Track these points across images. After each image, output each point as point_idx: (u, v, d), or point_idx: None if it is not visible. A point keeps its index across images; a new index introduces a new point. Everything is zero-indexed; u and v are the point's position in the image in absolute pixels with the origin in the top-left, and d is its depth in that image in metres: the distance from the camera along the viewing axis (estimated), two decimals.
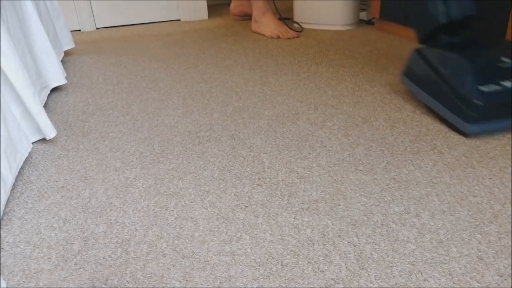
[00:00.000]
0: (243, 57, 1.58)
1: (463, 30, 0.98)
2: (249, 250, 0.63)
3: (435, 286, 0.55)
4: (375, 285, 0.56)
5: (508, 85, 0.87)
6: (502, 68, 0.88)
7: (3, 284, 0.58)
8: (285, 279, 0.58)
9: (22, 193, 0.81)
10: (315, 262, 0.60)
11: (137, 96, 1.26)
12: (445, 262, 0.59)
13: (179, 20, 2.36)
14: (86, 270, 0.61)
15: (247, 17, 2.17)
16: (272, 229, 0.67)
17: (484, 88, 0.86)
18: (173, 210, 0.73)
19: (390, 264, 0.59)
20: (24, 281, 0.60)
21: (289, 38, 1.77)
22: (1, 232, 0.70)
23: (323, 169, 0.83)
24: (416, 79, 1.05)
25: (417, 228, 0.66)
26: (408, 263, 0.59)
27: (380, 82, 1.25)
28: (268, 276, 0.58)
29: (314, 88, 1.24)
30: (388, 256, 0.61)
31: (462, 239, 0.63)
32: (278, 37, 1.79)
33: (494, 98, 0.86)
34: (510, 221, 0.66)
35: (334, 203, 0.72)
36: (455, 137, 0.92)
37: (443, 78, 0.93)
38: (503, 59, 0.90)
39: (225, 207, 0.74)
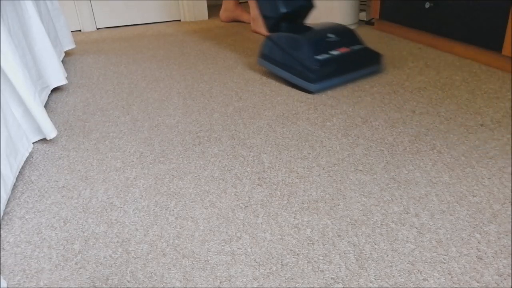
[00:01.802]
0: (243, 57, 1.59)
1: (298, 18, 1.36)
2: (249, 249, 0.63)
3: (435, 286, 0.55)
4: (374, 285, 0.56)
5: (335, 53, 1.23)
6: (330, 42, 1.25)
7: (4, 283, 0.59)
8: (285, 279, 0.58)
9: (23, 193, 0.81)
10: (315, 261, 0.61)
11: (138, 96, 1.26)
12: (445, 261, 0.59)
13: (179, 20, 2.36)
14: (86, 270, 0.61)
15: (236, 22, 2.20)
16: (272, 228, 0.68)
17: (319, 57, 1.19)
18: (173, 210, 0.74)
19: (390, 264, 0.59)
20: (24, 281, 0.60)
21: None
22: (2, 232, 0.71)
23: (323, 169, 0.83)
24: (271, 59, 1.32)
25: (416, 228, 0.66)
26: (408, 263, 0.59)
27: (379, 82, 1.25)
28: (268, 276, 0.59)
29: None
30: (387, 255, 0.61)
31: (462, 239, 0.63)
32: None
33: (326, 64, 1.19)
34: (510, 221, 0.66)
35: (334, 203, 0.73)
36: (454, 137, 0.92)
37: (290, 54, 1.24)
38: (329, 35, 1.26)
39: (225, 207, 0.74)
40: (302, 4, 1.31)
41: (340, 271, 0.59)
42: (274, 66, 1.31)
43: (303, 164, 0.85)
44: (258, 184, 0.79)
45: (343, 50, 1.24)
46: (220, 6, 2.21)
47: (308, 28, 1.30)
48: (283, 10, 1.28)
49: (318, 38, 1.25)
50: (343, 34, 1.28)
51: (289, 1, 1.28)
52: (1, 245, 0.68)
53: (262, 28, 1.87)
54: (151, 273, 0.60)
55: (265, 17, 1.35)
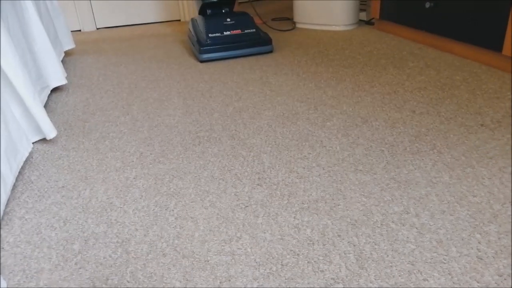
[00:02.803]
0: (243, 57, 1.59)
1: (222, 5, 1.68)
2: (249, 250, 0.63)
3: (435, 286, 0.55)
4: (374, 285, 0.56)
5: (226, 33, 1.58)
6: (226, 24, 1.59)
7: (4, 283, 0.58)
8: (285, 279, 0.58)
9: (23, 193, 0.81)
10: (315, 262, 0.60)
11: (138, 96, 1.26)
12: (445, 261, 0.59)
13: (179, 20, 2.36)
14: (86, 270, 0.61)
15: None
16: (272, 229, 0.68)
17: (212, 35, 1.56)
18: (173, 210, 0.74)
19: (390, 264, 0.59)
20: (24, 281, 0.60)
21: None
22: (2, 232, 0.71)
23: (323, 169, 0.83)
24: (189, 37, 1.75)
25: (416, 228, 0.66)
26: (408, 263, 0.59)
27: (380, 82, 1.25)
28: (268, 276, 0.58)
29: (314, 88, 1.24)
30: (387, 255, 0.61)
31: (462, 239, 0.63)
32: None
33: (217, 40, 1.56)
34: (510, 221, 0.66)
35: (334, 203, 0.73)
36: (454, 137, 0.92)
37: (195, 32, 1.64)
38: (228, 19, 1.59)
39: (225, 207, 0.74)
40: None
41: (340, 271, 0.59)
42: (189, 40, 1.76)
43: (303, 164, 0.85)
44: (258, 184, 0.79)
45: (236, 32, 1.59)
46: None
47: (222, 15, 1.62)
48: (204, 0, 1.64)
49: (218, 21, 1.59)
50: (239, 19, 1.61)
51: None
52: (1, 245, 0.68)
53: None
54: (151, 273, 0.60)
55: (196, 5, 1.75)
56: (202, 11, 1.68)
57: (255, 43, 1.60)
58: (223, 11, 1.67)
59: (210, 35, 1.54)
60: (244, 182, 0.80)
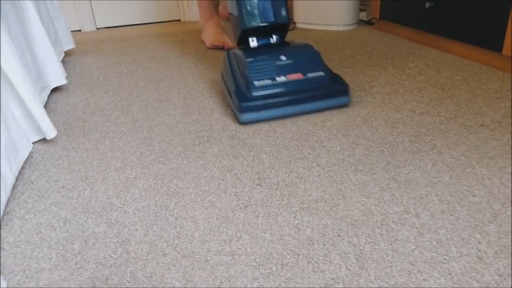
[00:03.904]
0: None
1: (268, 34, 1.16)
2: (249, 250, 0.63)
3: (435, 286, 0.55)
4: (374, 285, 0.56)
5: (280, 79, 1.05)
6: (280, 66, 1.06)
7: (4, 284, 0.58)
8: (285, 279, 0.58)
9: (23, 193, 0.81)
10: (315, 262, 0.60)
11: (137, 96, 1.26)
12: (445, 262, 0.59)
13: (179, 20, 2.36)
14: (86, 270, 0.61)
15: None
16: (272, 229, 0.68)
17: (258, 82, 1.03)
18: (173, 210, 0.74)
19: (390, 264, 0.59)
20: (24, 281, 0.60)
21: (222, 48, 1.68)
22: (2, 232, 0.71)
23: (323, 169, 0.83)
24: (223, 75, 1.22)
25: (416, 228, 0.66)
26: (408, 263, 0.59)
27: (379, 82, 1.25)
28: (268, 276, 0.58)
29: None
30: (387, 256, 0.61)
31: (462, 239, 0.63)
32: (214, 47, 1.70)
33: (267, 91, 1.03)
34: (510, 221, 0.66)
35: (334, 203, 0.73)
36: (454, 137, 0.92)
37: (232, 75, 1.10)
38: (282, 57, 1.07)
39: (225, 207, 0.74)
40: (271, 21, 1.12)
41: (340, 271, 0.59)
42: (223, 83, 1.18)
43: (303, 164, 0.85)
44: (258, 184, 0.79)
45: (295, 76, 1.05)
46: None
47: (270, 47, 1.14)
48: (245, 25, 1.11)
49: (268, 60, 1.06)
50: (301, 57, 1.08)
51: (254, 17, 1.11)
52: (1, 245, 0.68)
53: (205, 37, 1.78)
54: (151, 273, 0.60)
55: (234, 29, 1.22)
56: (242, 41, 1.18)
57: (325, 93, 1.06)
58: (272, 40, 1.15)
59: (256, 82, 1.02)
60: (244, 182, 0.80)
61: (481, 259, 0.59)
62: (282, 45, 1.15)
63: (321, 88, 1.06)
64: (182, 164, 0.88)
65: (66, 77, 1.33)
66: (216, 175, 0.83)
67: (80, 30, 2.22)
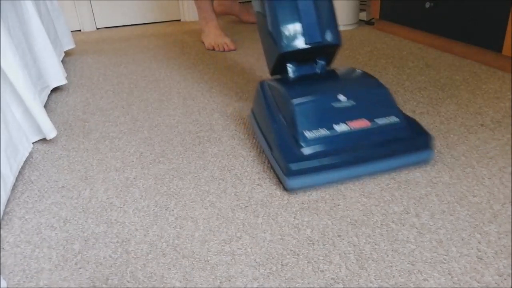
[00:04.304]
0: (243, 57, 1.59)
1: (312, 58, 0.89)
2: (249, 250, 0.63)
3: (435, 286, 0.55)
4: (374, 285, 0.56)
5: (340, 129, 0.75)
6: (337, 109, 0.76)
7: (4, 284, 0.58)
8: (285, 279, 0.58)
9: (23, 193, 0.81)
10: (315, 262, 0.60)
11: (137, 96, 1.26)
12: (445, 262, 0.59)
13: (179, 20, 2.36)
14: (86, 270, 0.61)
15: (230, 15, 2.20)
16: (272, 229, 0.68)
17: (311, 134, 0.74)
18: (173, 210, 0.74)
19: (390, 264, 0.59)
20: (24, 281, 0.60)
21: (223, 51, 1.67)
22: (2, 232, 0.71)
23: None
24: (256, 116, 0.91)
25: (416, 228, 0.66)
26: (408, 263, 0.59)
27: None
28: (268, 276, 0.58)
29: None
30: (387, 256, 0.61)
31: (462, 239, 0.63)
32: (213, 49, 1.69)
33: (323, 145, 0.74)
34: (510, 221, 0.66)
35: (334, 203, 0.73)
36: (454, 137, 0.92)
37: (271, 119, 0.81)
38: (340, 97, 0.77)
39: (225, 207, 0.74)
40: (316, 41, 0.84)
41: (340, 271, 0.59)
42: (258, 129, 0.89)
43: None
44: (258, 184, 0.79)
45: (359, 124, 0.76)
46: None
47: (318, 78, 0.87)
48: (282, 48, 0.84)
49: (318, 101, 0.78)
50: (365, 96, 0.79)
51: (296, 36, 0.84)
52: (1, 245, 0.68)
53: (204, 38, 1.76)
54: (151, 273, 0.60)
55: (266, 52, 0.95)
56: (278, 69, 0.91)
57: (402, 148, 0.78)
58: (317, 68, 0.89)
59: (307, 133, 0.75)
60: (244, 182, 0.80)
61: (481, 259, 0.59)
62: (333, 76, 0.88)
63: (396, 140, 0.77)
64: (182, 164, 0.88)
65: (66, 77, 1.33)
66: (216, 175, 0.83)
67: (80, 30, 2.22)
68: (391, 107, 0.79)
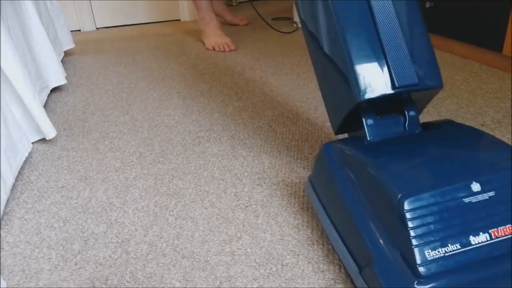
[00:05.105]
0: (243, 57, 1.58)
1: (398, 107, 0.61)
2: (249, 250, 0.63)
3: None
4: None
5: (477, 241, 0.46)
6: (472, 208, 0.47)
7: (3, 284, 0.58)
8: (285, 279, 0.58)
9: (22, 193, 0.81)
10: (315, 262, 0.60)
11: (137, 96, 1.26)
12: None
13: (179, 20, 2.36)
14: (86, 270, 0.61)
15: (219, 17, 2.18)
16: (272, 229, 0.67)
17: (433, 254, 0.45)
18: (173, 210, 0.73)
19: None
20: (24, 281, 0.60)
21: (224, 51, 1.67)
22: (1, 232, 0.70)
23: None
24: (323, 197, 0.63)
25: None
26: None
27: None
28: (268, 276, 0.58)
29: (314, 88, 1.23)
30: None
31: None
32: (214, 49, 1.70)
33: (449, 274, 0.45)
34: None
35: None
36: None
37: (351, 213, 0.53)
38: (475, 186, 0.48)
39: (225, 207, 0.74)
40: (411, 83, 0.57)
41: (340, 271, 0.58)
42: (327, 219, 0.60)
43: (303, 164, 0.85)
44: (258, 184, 0.79)
45: (506, 232, 0.47)
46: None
47: (419, 146, 0.57)
48: (360, 96, 0.56)
49: (444, 195, 0.47)
50: (507, 182, 0.49)
51: (381, 75, 0.57)
52: (1, 245, 0.67)
53: (204, 39, 1.75)
54: (151, 273, 0.60)
55: (328, 102, 0.68)
56: (349, 125, 0.63)
57: None
58: (407, 124, 0.61)
59: (429, 253, 0.44)
60: (244, 182, 0.80)
61: None
62: (442, 140, 0.59)
63: None
64: (182, 164, 0.88)
65: (66, 77, 1.33)
66: (216, 175, 0.83)
67: (80, 30, 2.22)
68: None
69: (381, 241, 0.48)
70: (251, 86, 1.28)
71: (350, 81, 0.57)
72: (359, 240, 0.50)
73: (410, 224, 0.45)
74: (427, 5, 1.48)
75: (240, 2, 2.64)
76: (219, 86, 1.30)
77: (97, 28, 2.26)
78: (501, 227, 0.46)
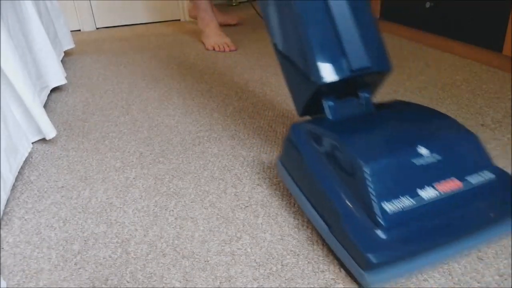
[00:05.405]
0: (243, 57, 1.58)
1: (355, 89, 0.68)
2: (249, 250, 0.63)
3: (435, 286, 0.55)
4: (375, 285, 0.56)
5: (426, 195, 0.54)
6: (419, 167, 0.55)
7: (3, 284, 0.58)
8: (285, 279, 0.58)
9: (22, 193, 0.81)
10: (315, 262, 0.60)
11: (137, 96, 1.26)
12: (445, 262, 0.59)
13: (179, 20, 2.36)
14: (86, 270, 0.61)
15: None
16: (272, 229, 0.67)
17: (391, 207, 0.53)
18: (173, 210, 0.73)
19: None
20: (24, 281, 0.60)
21: (224, 51, 1.66)
22: (1, 232, 0.70)
23: None
24: (290, 171, 0.69)
25: None
26: None
27: None
28: (268, 276, 0.58)
29: None
30: None
31: None
32: (214, 49, 1.69)
33: (405, 222, 0.53)
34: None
35: None
36: None
37: (322, 183, 0.60)
38: (421, 149, 0.56)
39: (225, 207, 0.74)
40: (363, 67, 0.64)
41: (340, 271, 0.58)
42: (297, 190, 0.67)
43: None
44: (258, 184, 0.79)
45: (449, 185, 0.56)
46: (220, 6, 2.20)
47: (373, 120, 0.67)
48: (322, 79, 0.63)
49: (396, 157, 0.56)
50: (451, 146, 0.59)
51: (337, 61, 0.64)
52: (1, 245, 0.67)
53: (204, 39, 1.74)
54: (151, 273, 0.60)
55: (292, 89, 0.74)
56: (311, 108, 0.70)
57: (501, 212, 0.57)
58: (360, 104, 0.68)
59: (388, 206, 0.53)
60: (244, 182, 0.80)
61: (481, 259, 0.59)
62: (393, 116, 0.68)
63: (493, 204, 0.57)
64: (182, 164, 0.88)
65: (66, 77, 1.33)
66: (216, 175, 0.83)
67: (80, 30, 2.22)
68: (483, 158, 0.59)
69: (346, 201, 0.56)
70: (251, 86, 1.28)
71: (311, 67, 0.64)
72: (328, 203, 0.58)
73: (370, 185, 0.54)
74: (427, 5, 1.48)
75: (240, 2, 2.64)
76: (219, 86, 1.30)
77: (97, 28, 2.26)
78: (445, 181, 0.56)
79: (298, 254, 0.62)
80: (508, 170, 0.79)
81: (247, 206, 0.73)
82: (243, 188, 0.78)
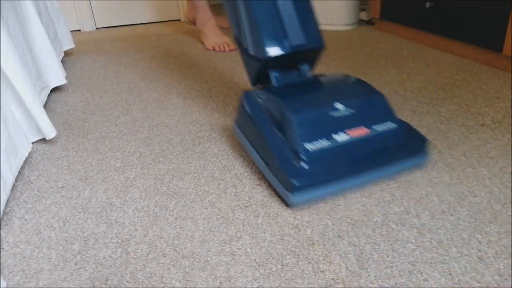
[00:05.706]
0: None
1: (296, 63, 0.86)
2: (249, 250, 0.63)
3: (435, 286, 0.55)
4: (375, 285, 0.56)
5: (341, 138, 0.72)
6: (335, 118, 0.73)
7: (3, 284, 0.58)
8: (285, 279, 0.58)
9: (22, 193, 0.81)
10: (315, 262, 0.60)
11: (137, 96, 1.26)
12: (445, 262, 0.59)
13: (179, 20, 2.36)
14: (86, 270, 0.61)
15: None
16: (272, 229, 0.67)
17: (312, 146, 0.71)
18: (173, 210, 0.73)
19: (390, 264, 0.59)
20: (24, 281, 0.60)
21: (224, 51, 1.66)
22: (1, 232, 0.70)
23: None
24: (245, 130, 0.86)
25: (417, 228, 0.66)
26: (408, 263, 0.59)
27: (380, 82, 1.25)
28: (268, 276, 0.58)
29: None
30: (388, 256, 0.61)
31: (462, 239, 0.63)
32: (214, 49, 1.68)
33: (323, 157, 0.71)
34: (510, 221, 0.66)
35: (334, 203, 0.72)
36: (455, 137, 0.92)
37: (264, 133, 0.76)
38: (337, 105, 0.74)
39: (225, 207, 0.74)
40: (301, 44, 0.82)
41: (340, 271, 0.58)
42: (247, 143, 0.85)
43: None
44: (258, 184, 0.79)
45: (358, 132, 0.74)
46: (220, 6, 2.19)
47: (307, 86, 0.85)
48: (264, 54, 0.81)
49: (316, 110, 0.75)
50: (362, 103, 0.77)
51: (278, 40, 0.81)
52: (1, 245, 0.67)
53: (204, 39, 1.75)
54: (151, 273, 0.60)
55: (245, 62, 0.91)
56: (261, 78, 0.88)
57: (399, 153, 0.77)
58: (302, 75, 0.87)
59: (308, 146, 0.71)
60: (244, 182, 0.80)
61: (481, 259, 0.59)
62: (323, 83, 0.87)
63: (394, 146, 0.76)
64: (182, 164, 0.88)
65: (66, 77, 1.33)
66: (216, 175, 0.83)
67: (80, 30, 2.22)
68: (387, 113, 0.78)
69: (281, 145, 0.73)
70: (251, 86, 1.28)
71: (259, 44, 0.82)
72: (268, 147, 0.75)
73: (296, 130, 0.72)
74: (427, 5, 1.48)
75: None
76: (219, 86, 1.30)
77: (97, 28, 2.26)
78: (355, 128, 0.74)
79: (298, 254, 0.62)
80: (508, 170, 0.79)
81: (247, 206, 0.73)
82: (243, 188, 0.78)
